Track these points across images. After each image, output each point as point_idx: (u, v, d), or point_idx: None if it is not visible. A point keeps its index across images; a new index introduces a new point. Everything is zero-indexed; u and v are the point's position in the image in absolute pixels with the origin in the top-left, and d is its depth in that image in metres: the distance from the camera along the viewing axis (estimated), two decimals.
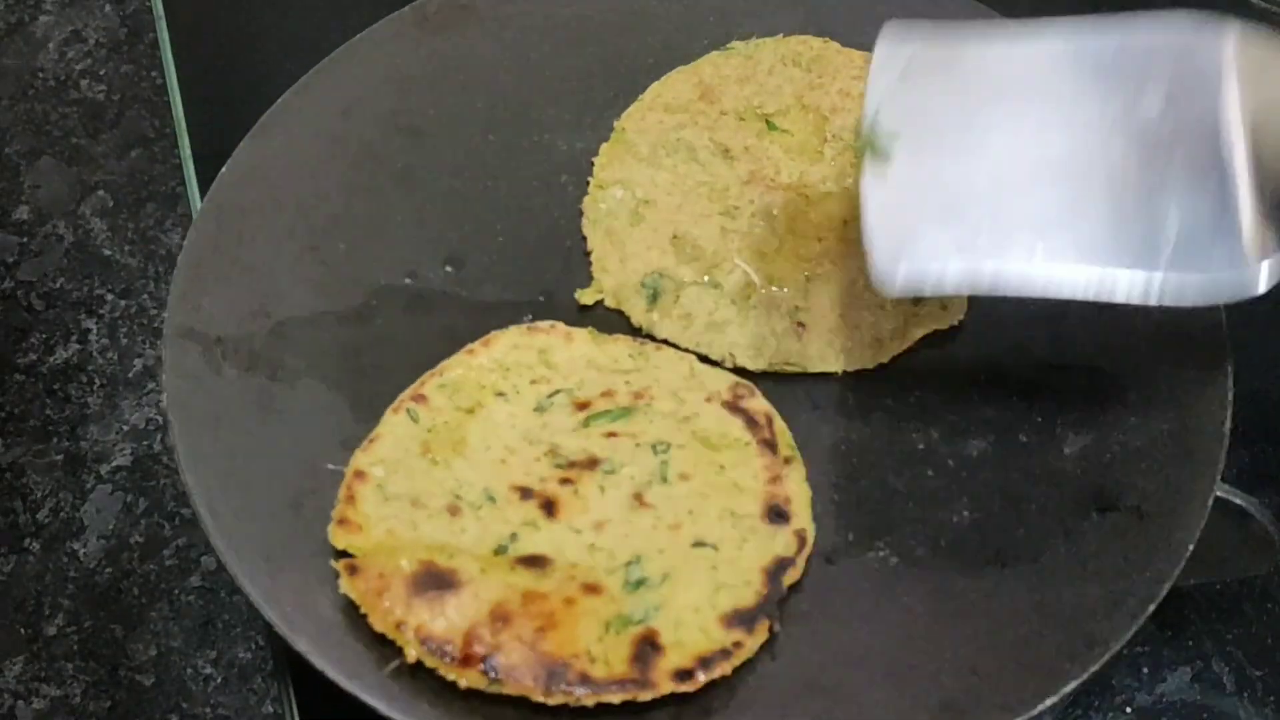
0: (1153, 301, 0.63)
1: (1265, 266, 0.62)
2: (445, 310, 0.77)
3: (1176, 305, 0.64)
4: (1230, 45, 0.66)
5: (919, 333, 0.74)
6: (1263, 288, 0.62)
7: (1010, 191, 0.67)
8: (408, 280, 0.78)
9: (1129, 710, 0.75)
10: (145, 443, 0.91)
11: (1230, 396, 0.70)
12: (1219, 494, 0.68)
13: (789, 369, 0.73)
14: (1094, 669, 0.63)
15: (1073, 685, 0.63)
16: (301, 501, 0.68)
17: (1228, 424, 0.70)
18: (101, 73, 1.09)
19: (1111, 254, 0.65)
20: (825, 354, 0.73)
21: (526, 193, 0.81)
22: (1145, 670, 0.77)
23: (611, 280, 0.75)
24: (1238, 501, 0.69)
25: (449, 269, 0.78)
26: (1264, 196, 0.63)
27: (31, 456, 0.90)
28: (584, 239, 0.78)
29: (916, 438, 0.72)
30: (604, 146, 0.80)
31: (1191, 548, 0.66)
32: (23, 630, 0.84)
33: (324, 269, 0.77)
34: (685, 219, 0.78)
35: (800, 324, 0.74)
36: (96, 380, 0.94)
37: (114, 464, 0.90)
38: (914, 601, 0.66)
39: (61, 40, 1.10)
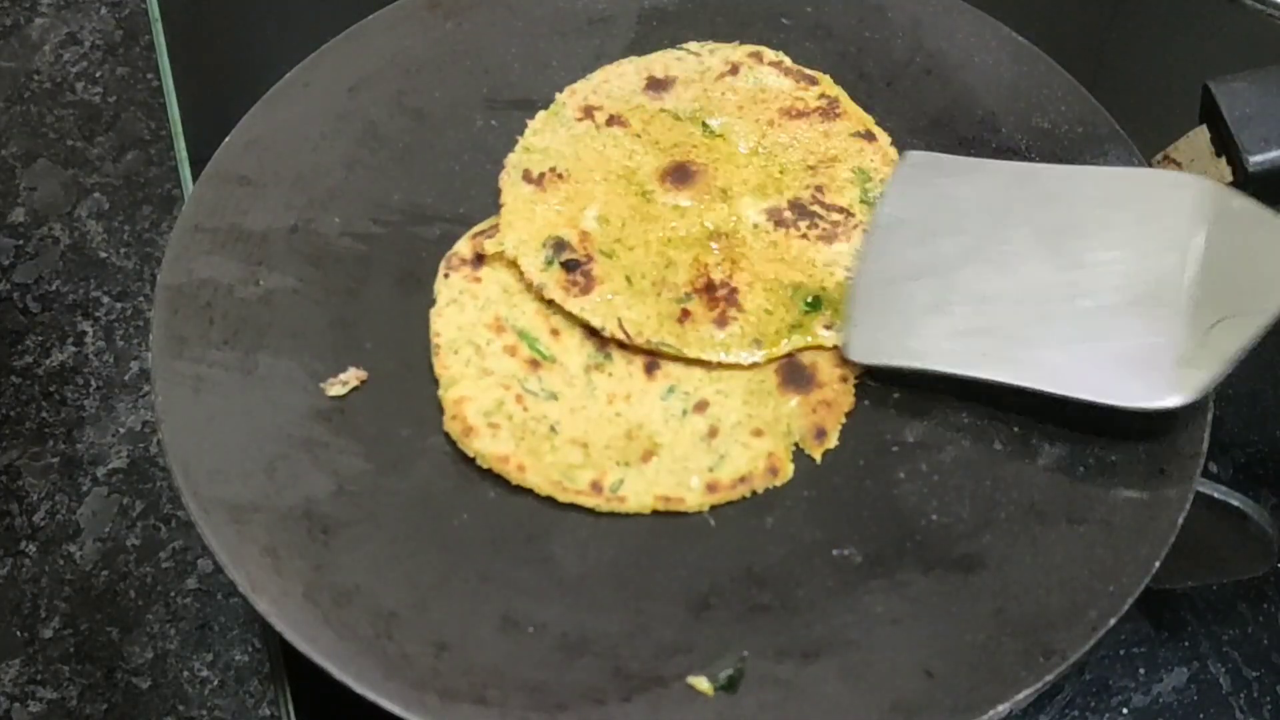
0: (1089, 398, 0.69)
1: (1183, 391, 0.69)
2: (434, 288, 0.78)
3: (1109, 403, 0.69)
4: (1199, 201, 0.74)
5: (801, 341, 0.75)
6: (1177, 403, 0.69)
7: (994, 300, 0.74)
8: (398, 258, 0.79)
9: (1125, 711, 0.76)
10: (141, 445, 0.91)
11: (1209, 418, 0.71)
12: (1216, 495, 0.69)
13: (666, 350, 0.73)
14: (1049, 679, 0.63)
15: (1025, 694, 0.63)
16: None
17: (1205, 445, 0.70)
18: (97, 75, 1.09)
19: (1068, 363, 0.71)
20: (705, 343, 0.74)
21: None
22: (1142, 671, 0.77)
23: (515, 236, 0.76)
24: (1235, 503, 0.69)
25: (441, 249, 0.79)
26: (1195, 334, 0.70)
27: (28, 459, 0.90)
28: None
29: (891, 440, 0.72)
30: (541, 113, 0.82)
31: (1158, 564, 0.66)
32: (19, 633, 0.84)
33: (318, 240, 0.78)
34: (600, 195, 0.77)
35: (687, 312, 0.74)
36: (93, 383, 0.93)
37: (110, 466, 0.90)
38: (874, 601, 0.67)
39: (57, 43, 1.10)
